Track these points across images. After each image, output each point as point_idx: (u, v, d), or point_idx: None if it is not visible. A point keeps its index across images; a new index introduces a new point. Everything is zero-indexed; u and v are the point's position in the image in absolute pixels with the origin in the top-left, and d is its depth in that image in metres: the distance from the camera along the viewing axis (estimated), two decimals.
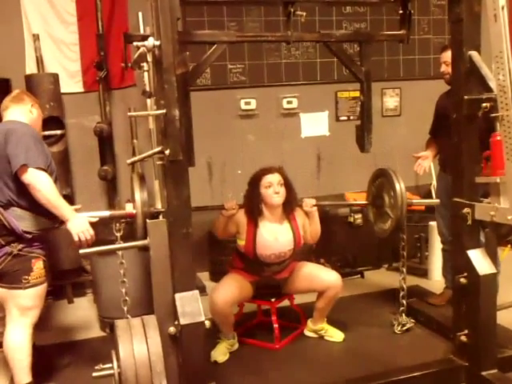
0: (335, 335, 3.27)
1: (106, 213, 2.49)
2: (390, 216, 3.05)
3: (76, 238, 2.51)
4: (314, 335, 3.32)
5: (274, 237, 3.04)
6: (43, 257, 2.67)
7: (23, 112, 2.71)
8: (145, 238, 2.26)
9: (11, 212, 2.54)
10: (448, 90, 3.13)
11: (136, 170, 2.47)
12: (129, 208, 2.37)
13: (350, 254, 4.48)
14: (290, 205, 3.08)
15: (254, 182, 3.06)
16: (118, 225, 2.42)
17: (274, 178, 3.01)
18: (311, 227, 3.17)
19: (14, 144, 2.49)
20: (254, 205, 3.03)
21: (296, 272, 3.21)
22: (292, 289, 3.25)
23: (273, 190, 2.99)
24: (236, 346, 3.18)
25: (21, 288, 2.58)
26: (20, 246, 2.57)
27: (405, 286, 3.29)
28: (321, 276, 3.15)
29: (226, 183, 4.71)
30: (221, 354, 3.07)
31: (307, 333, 3.35)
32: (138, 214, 2.31)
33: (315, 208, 3.13)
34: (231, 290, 3.01)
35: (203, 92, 4.41)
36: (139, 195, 2.31)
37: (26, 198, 2.54)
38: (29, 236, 2.57)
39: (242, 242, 3.05)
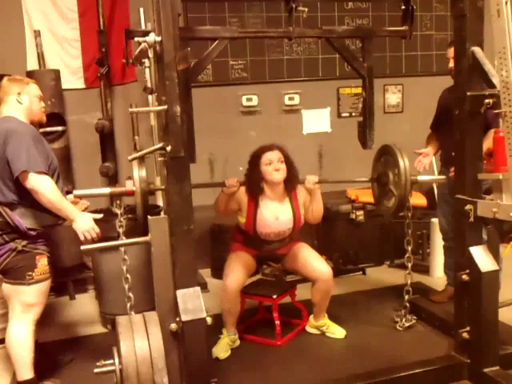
0: (337, 332, 3.27)
1: (107, 190, 2.48)
2: (394, 194, 3.01)
3: (82, 238, 2.56)
4: (316, 331, 3.32)
5: (274, 216, 3.04)
6: (47, 253, 2.67)
7: (13, 105, 2.64)
8: (145, 218, 2.26)
9: (15, 210, 2.54)
10: (451, 86, 3.12)
11: (136, 148, 2.48)
12: (129, 185, 2.37)
13: (352, 250, 4.47)
14: (291, 182, 3.06)
15: (254, 160, 3.04)
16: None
17: (274, 155, 2.99)
18: (313, 206, 3.12)
19: (13, 146, 2.47)
20: (254, 183, 3.02)
21: (294, 251, 3.22)
22: (288, 266, 3.30)
23: (273, 167, 2.97)
24: (237, 342, 3.18)
25: (25, 284, 2.58)
26: (24, 243, 2.57)
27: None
28: (313, 264, 3.16)
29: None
30: (222, 350, 3.07)
31: (309, 329, 3.35)
32: (137, 191, 2.31)
33: (318, 185, 3.07)
34: (239, 270, 3.07)
35: (205, 88, 4.41)
36: (138, 172, 2.31)
37: (29, 197, 2.53)
38: (33, 233, 2.58)
39: (242, 220, 3.07)
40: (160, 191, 3.48)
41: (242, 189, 3.03)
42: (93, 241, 2.54)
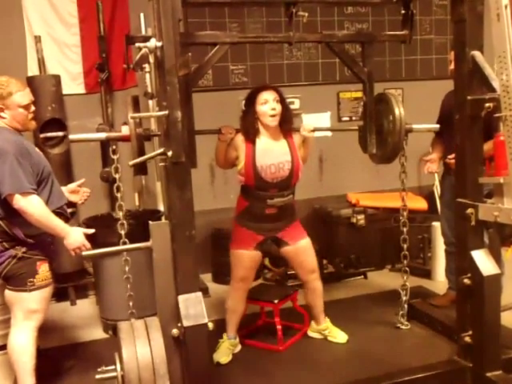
0: (339, 336, 3.27)
1: (102, 135, 2.47)
2: (389, 142, 3.00)
3: (73, 254, 2.58)
4: (318, 336, 3.31)
5: (272, 149, 2.97)
6: (49, 259, 2.66)
7: None
8: (142, 167, 2.30)
9: (12, 220, 2.53)
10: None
11: (131, 96, 2.48)
12: (124, 130, 2.36)
13: (353, 254, 4.46)
14: (286, 123, 3.01)
15: (250, 100, 2.99)
16: (114, 147, 2.42)
17: (269, 95, 2.93)
18: (304, 152, 3.10)
19: None
20: (250, 124, 2.96)
21: (295, 243, 3.12)
22: (285, 253, 3.19)
23: (269, 106, 2.91)
24: (238, 347, 3.18)
25: (26, 291, 2.57)
26: (24, 249, 2.56)
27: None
28: (306, 262, 3.15)
29: (229, 185, 4.69)
30: (223, 354, 3.06)
31: (311, 333, 3.34)
32: (132, 135, 2.30)
33: (312, 134, 3.04)
34: (248, 268, 3.06)
35: (205, 93, 4.41)
36: (132, 116, 2.30)
37: None
38: (32, 240, 2.57)
39: (241, 164, 2.96)
40: (161, 195, 3.48)
41: (239, 135, 2.99)
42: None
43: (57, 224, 2.53)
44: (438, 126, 3.18)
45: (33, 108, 2.69)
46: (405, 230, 3.24)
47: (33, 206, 2.46)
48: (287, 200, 3.02)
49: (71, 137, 2.54)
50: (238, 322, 3.16)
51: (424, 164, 3.55)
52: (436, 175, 4.69)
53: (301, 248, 3.14)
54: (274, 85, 3.06)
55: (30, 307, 2.61)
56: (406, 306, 3.36)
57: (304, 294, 3.25)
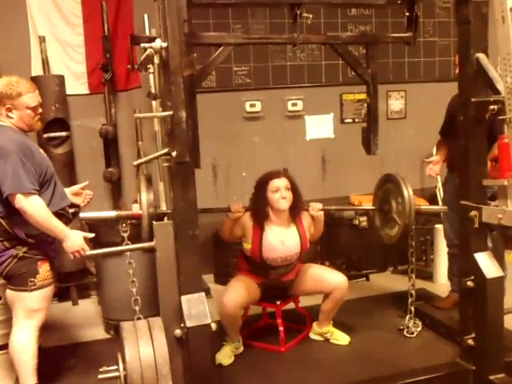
0: (341, 338, 3.26)
1: (113, 213, 2.48)
2: (398, 223, 3.03)
3: (72, 257, 2.55)
4: (320, 338, 3.31)
5: (281, 240, 3.04)
6: (50, 258, 2.66)
7: (2, 118, 2.59)
8: (151, 239, 2.25)
9: (13, 219, 2.53)
10: None
11: (142, 171, 2.46)
12: (135, 209, 2.37)
13: (356, 256, 4.46)
14: (296, 209, 3.08)
15: (261, 186, 3.05)
16: (124, 225, 2.41)
17: (281, 183, 3.00)
18: (315, 230, 3.19)
19: (0, 167, 2.44)
20: (260, 209, 3.03)
21: (302, 274, 3.20)
22: (298, 291, 3.24)
23: (280, 194, 2.99)
24: (241, 349, 3.17)
25: (27, 290, 2.57)
26: (25, 249, 2.56)
27: (413, 293, 3.31)
28: (327, 278, 3.15)
29: (231, 185, 4.71)
30: (226, 356, 3.06)
31: (313, 336, 3.33)
32: (144, 215, 2.29)
33: (321, 212, 3.12)
34: (240, 292, 3.00)
35: (208, 94, 4.41)
36: (146, 196, 2.31)
37: None
38: (32, 240, 2.57)
39: (248, 246, 3.05)
40: (163, 195, 3.50)
41: (247, 214, 3.05)
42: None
43: (56, 225, 2.52)
44: (445, 207, 3.25)
45: (40, 110, 2.70)
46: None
47: (33, 206, 2.46)
48: (291, 268, 3.15)
49: (82, 215, 2.57)
50: (238, 331, 3.12)
51: (426, 165, 3.55)
52: (439, 177, 4.69)
53: (301, 271, 3.20)
54: (283, 171, 3.18)
55: (31, 307, 2.61)
56: (412, 308, 3.34)
57: (323, 298, 3.20)
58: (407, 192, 2.93)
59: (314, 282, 3.17)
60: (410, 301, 3.32)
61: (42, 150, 2.78)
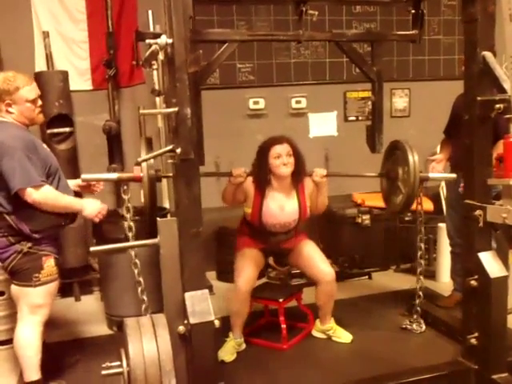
0: (343, 336, 3.26)
1: (114, 175, 2.50)
2: (402, 191, 2.99)
3: (96, 221, 2.71)
4: (322, 335, 3.31)
5: (280, 207, 3.04)
6: (54, 254, 2.66)
7: (3, 113, 2.59)
8: (152, 202, 2.31)
9: (18, 215, 2.53)
10: None
11: (143, 134, 2.49)
12: (136, 171, 2.37)
13: (358, 254, 4.45)
14: (298, 175, 3.05)
15: (263, 152, 3.02)
16: (125, 187, 2.44)
17: (282, 149, 2.97)
18: (319, 198, 3.14)
19: (6, 164, 2.45)
20: (261, 175, 3.01)
21: (300, 247, 3.21)
22: (293, 262, 3.30)
23: (281, 161, 2.95)
24: (243, 345, 3.18)
25: (31, 286, 2.58)
26: (29, 244, 2.57)
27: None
28: (317, 265, 3.16)
29: None
30: (228, 353, 3.07)
31: (315, 333, 3.34)
32: (145, 176, 2.32)
33: (325, 179, 3.07)
34: (251, 270, 3.07)
35: (212, 91, 4.39)
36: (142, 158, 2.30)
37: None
38: (37, 235, 2.57)
39: (248, 210, 3.06)
40: (167, 194, 3.48)
41: (249, 179, 3.01)
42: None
43: (70, 201, 2.62)
44: (454, 175, 3.12)
45: (40, 102, 2.69)
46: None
47: (46, 196, 2.50)
48: (290, 235, 3.16)
49: (83, 176, 2.57)
50: (244, 324, 3.15)
51: (429, 163, 3.53)
52: None
53: (302, 245, 3.20)
54: (286, 137, 3.09)
55: (35, 302, 2.61)
56: (418, 309, 3.35)
57: (317, 296, 3.21)
58: (413, 161, 2.88)
59: (306, 261, 3.20)
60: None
61: (45, 145, 2.78)
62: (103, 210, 2.69)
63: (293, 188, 3.08)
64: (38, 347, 2.64)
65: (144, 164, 2.32)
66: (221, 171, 4.70)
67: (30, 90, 2.62)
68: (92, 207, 2.66)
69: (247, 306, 3.11)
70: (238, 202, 3.09)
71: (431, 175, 3.04)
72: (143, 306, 2.43)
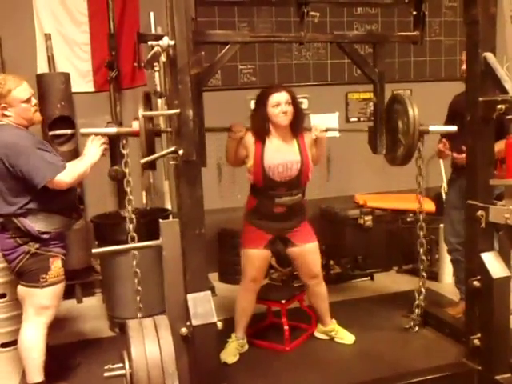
0: (346, 337, 3.26)
1: (113, 129, 2.50)
2: (402, 143, 2.97)
3: (106, 154, 2.78)
4: (325, 337, 3.30)
5: (281, 151, 2.95)
6: (62, 255, 2.67)
7: (1, 119, 2.58)
8: (151, 164, 2.36)
9: (26, 216, 2.54)
10: (463, 92, 3.09)
11: (143, 92, 2.50)
12: (135, 126, 2.36)
13: (360, 256, 4.45)
14: (297, 125, 2.99)
15: (261, 101, 2.95)
16: (124, 142, 2.47)
17: (281, 97, 2.90)
18: (316, 153, 3.09)
19: (25, 162, 2.46)
20: (260, 125, 2.95)
21: (302, 244, 3.10)
22: (290, 255, 3.18)
23: (280, 109, 2.89)
24: (246, 346, 3.18)
25: (38, 287, 2.58)
26: (37, 245, 2.57)
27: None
28: (309, 266, 3.14)
29: (236, 184, 4.69)
30: (230, 354, 3.06)
31: (318, 334, 3.33)
32: (141, 130, 2.30)
33: (325, 133, 3.03)
34: (257, 269, 3.05)
35: (213, 92, 4.40)
36: (143, 112, 2.30)
37: (39, 202, 2.54)
38: (45, 236, 2.57)
39: (250, 162, 2.96)
40: (169, 193, 3.46)
41: (249, 133, 2.97)
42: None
43: (85, 163, 2.63)
44: (455, 127, 3.06)
45: (34, 101, 2.68)
46: (421, 233, 3.22)
47: (72, 173, 2.57)
48: (296, 199, 3.01)
49: (82, 131, 2.55)
50: (248, 323, 3.15)
51: (440, 143, 3.45)
52: (444, 176, 4.68)
53: (307, 251, 3.12)
54: (284, 84, 3.03)
55: (41, 303, 2.62)
56: (417, 310, 3.33)
57: (307, 297, 3.27)
58: (412, 112, 2.88)
59: (300, 259, 3.14)
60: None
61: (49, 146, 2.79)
62: (106, 145, 2.69)
63: (293, 137, 3.01)
64: (42, 349, 2.65)
65: (142, 117, 2.29)
66: (222, 172, 4.71)
67: (23, 90, 2.59)
68: (95, 150, 2.65)
69: (253, 305, 3.11)
70: (240, 158, 3.02)
71: (431, 128, 2.98)
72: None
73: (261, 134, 2.95)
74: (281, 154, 2.94)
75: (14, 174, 2.48)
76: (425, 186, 4.95)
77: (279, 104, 2.89)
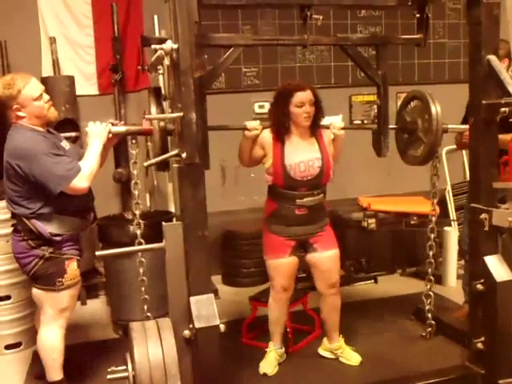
0: (352, 358, 3.06)
1: (122, 128, 2.46)
2: (424, 141, 2.91)
3: (110, 136, 2.53)
4: (330, 355, 3.12)
5: (302, 147, 2.87)
6: (77, 257, 2.65)
7: (15, 119, 2.54)
8: (164, 164, 2.34)
9: (38, 219, 2.51)
10: None
11: (151, 89, 2.45)
12: (145, 125, 2.33)
13: (364, 259, 4.45)
14: (317, 123, 2.91)
15: (284, 98, 2.83)
16: (134, 141, 2.40)
17: (306, 97, 2.80)
18: (334, 151, 3.01)
19: (37, 168, 2.41)
20: (281, 123, 2.84)
21: (324, 251, 2.95)
22: (309, 261, 3.01)
23: (304, 109, 2.80)
24: (284, 356, 3.07)
25: (55, 290, 2.56)
26: (51, 249, 2.54)
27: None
28: (328, 274, 2.97)
29: (239, 186, 4.70)
30: (271, 365, 2.96)
31: (322, 352, 3.16)
32: (155, 129, 2.25)
33: (343, 131, 2.94)
34: (286, 277, 2.92)
35: (217, 95, 4.40)
36: (155, 111, 2.27)
37: (52, 205, 2.52)
38: (58, 238, 2.54)
39: (269, 162, 2.86)
40: (172, 196, 3.45)
41: (265, 132, 2.87)
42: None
43: (95, 151, 2.51)
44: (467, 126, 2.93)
45: (47, 96, 2.60)
46: (432, 235, 3.18)
47: (88, 173, 2.47)
48: (317, 199, 2.90)
49: (88, 129, 2.53)
50: (283, 332, 3.05)
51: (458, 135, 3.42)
52: (448, 180, 4.67)
53: (327, 258, 2.96)
54: (307, 83, 2.95)
55: (59, 306, 2.61)
56: (430, 315, 3.29)
57: (320, 308, 3.10)
58: (435, 108, 2.80)
59: (320, 266, 2.97)
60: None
61: (67, 143, 2.72)
62: (108, 130, 2.50)
63: (311, 135, 2.92)
64: (62, 349, 2.65)
65: (154, 115, 2.27)
66: (226, 175, 4.72)
67: (33, 87, 2.52)
68: (100, 129, 2.50)
69: (286, 313, 3.02)
70: (255, 159, 2.93)
71: (450, 126, 2.91)
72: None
73: (281, 134, 2.86)
74: (301, 152, 2.85)
75: (28, 179, 2.45)
76: (429, 188, 4.98)
77: (303, 104, 2.80)
